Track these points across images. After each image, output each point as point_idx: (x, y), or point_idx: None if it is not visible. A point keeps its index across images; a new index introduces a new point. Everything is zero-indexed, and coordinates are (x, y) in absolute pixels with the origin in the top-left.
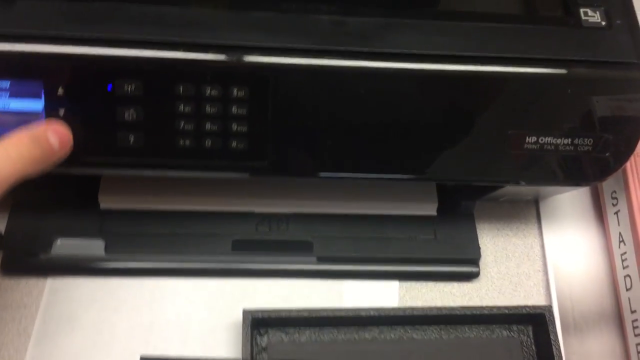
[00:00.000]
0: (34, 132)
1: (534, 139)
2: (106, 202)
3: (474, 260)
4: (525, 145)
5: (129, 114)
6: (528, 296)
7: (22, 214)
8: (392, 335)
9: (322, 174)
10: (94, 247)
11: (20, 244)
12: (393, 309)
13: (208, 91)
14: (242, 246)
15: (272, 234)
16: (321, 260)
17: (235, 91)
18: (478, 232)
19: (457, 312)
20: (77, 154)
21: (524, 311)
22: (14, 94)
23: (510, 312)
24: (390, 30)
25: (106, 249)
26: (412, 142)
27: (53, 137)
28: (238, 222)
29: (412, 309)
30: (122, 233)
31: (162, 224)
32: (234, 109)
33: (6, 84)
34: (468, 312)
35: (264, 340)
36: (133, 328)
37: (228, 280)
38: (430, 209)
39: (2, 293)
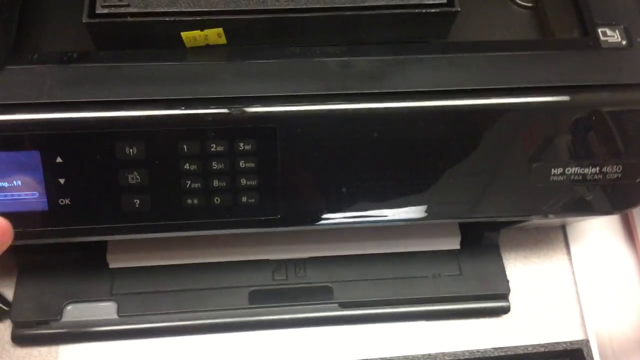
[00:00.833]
0: None
1: (560, 170)
2: (115, 262)
3: (504, 295)
4: (552, 177)
5: (133, 177)
6: (563, 329)
7: (29, 280)
8: None
9: (338, 222)
10: (105, 310)
11: (29, 313)
12: (423, 356)
13: (213, 147)
14: (260, 297)
15: (290, 281)
16: (343, 305)
17: (241, 145)
18: (504, 262)
19: (491, 354)
20: (82, 221)
21: (560, 347)
22: (12, 167)
23: (547, 349)
24: (398, 68)
25: (118, 311)
26: (431, 183)
27: None
28: (253, 271)
29: (444, 354)
30: (133, 293)
31: (174, 280)
32: (242, 164)
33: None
34: (502, 353)
35: None
36: None
37: (247, 334)
38: (453, 243)
39: None
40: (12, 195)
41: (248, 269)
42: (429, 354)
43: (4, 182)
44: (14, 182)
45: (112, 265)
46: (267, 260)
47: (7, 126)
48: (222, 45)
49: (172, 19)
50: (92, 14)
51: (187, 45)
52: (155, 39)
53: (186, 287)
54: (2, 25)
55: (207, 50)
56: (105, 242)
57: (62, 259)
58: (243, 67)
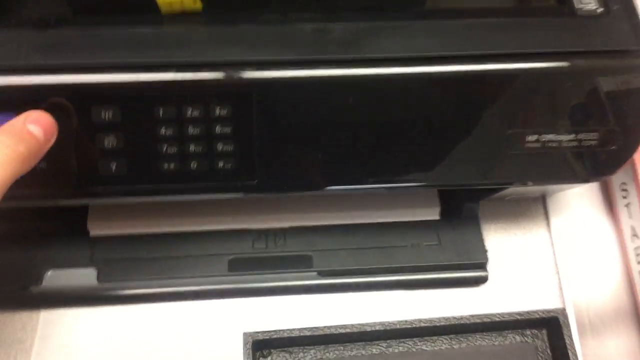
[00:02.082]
0: (13, 128)
1: (535, 137)
2: (96, 229)
3: (481, 265)
4: (527, 144)
5: (109, 142)
6: (540, 298)
7: (10, 247)
8: (401, 348)
9: (314, 189)
10: (86, 276)
11: (10, 278)
12: (399, 322)
13: (190, 112)
14: (239, 265)
15: (270, 250)
16: (322, 274)
17: (217, 110)
18: (484, 234)
19: (467, 321)
20: (60, 185)
21: (536, 315)
22: None
23: (523, 317)
24: (375, 34)
25: (98, 277)
26: (408, 150)
27: (35, 128)
28: (233, 240)
29: (420, 320)
30: (114, 260)
31: (154, 248)
32: (218, 128)
33: None
34: (478, 320)
35: None
36: (130, 356)
37: (226, 301)
38: (432, 214)
39: None
40: None
41: (228, 237)
42: (405, 320)
43: None
44: None
45: (92, 233)
46: (247, 230)
47: None
48: (198, 11)
49: None
50: None
51: (163, 11)
52: (132, 4)
53: (166, 254)
54: None
55: (182, 16)
56: (86, 210)
57: (43, 227)
58: (219, 32)
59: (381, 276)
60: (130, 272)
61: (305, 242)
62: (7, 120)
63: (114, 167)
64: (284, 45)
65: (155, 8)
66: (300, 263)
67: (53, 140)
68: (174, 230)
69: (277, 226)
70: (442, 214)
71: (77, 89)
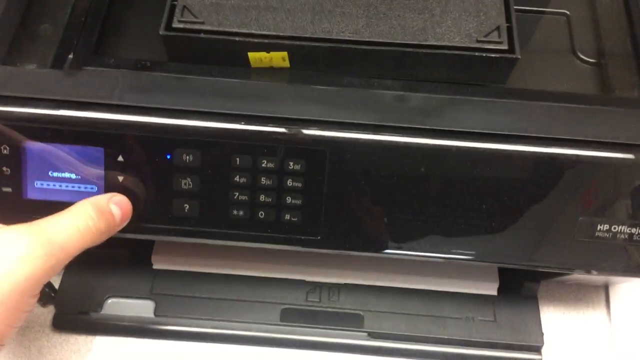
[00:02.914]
0: (99, 204)
1: (606, 226)
2: (159, 263)
3: (537, 348)
4: (597, 233)
5: (186, 183)
6: None
7: (76, 271)
8: None
9: (374, 252)
10: (143, 308)
11: (72, 302)
12: None
13: (264, 163)
14: (291, 316)
15: (323, 304)
16: (372, 335)
17: (291, 164)
18: (541, 314)
19: None
20: (134, 219)
21: None
22: (77, 160)
23: None
24: (454, 107)
25: (155, 311)
26: (474, 224)
27: (116, 209)
28: (288, 289)
29: None
30: (172, 295)
31: (212, 288)
32: (289, 182)
33: (68, 150)
34: None
35: None
36: None
37: (276, 350)
38: (490, 289)
39: (51, 349)
40: (73, 187)
41: (283, 286)
42: None
43: (68, 173)
44: (77, 175)
45: (155, 266)
46: (303, 281)
47: (79, 122)
48: (285, 68)
49: (241, 39)
50: (168, 27)
51: (253, 65)
52: (224, 56)
53: (222, 296)
54: (85, 29)
55: (270, 71)
56: (152, 243)
57: (109, 255)
58: (302, 90)
59: (432, 345)
60: (186, 309)
61: (359, 301)
62: (93, 154)
63: (186, 208)
64: (363, 109)
65: (246, 62)
66: (351, 321)
67: (125, 223)
68: (233, 272)
69: (332, 281)
70: (500, 289)
71: (162, 130)
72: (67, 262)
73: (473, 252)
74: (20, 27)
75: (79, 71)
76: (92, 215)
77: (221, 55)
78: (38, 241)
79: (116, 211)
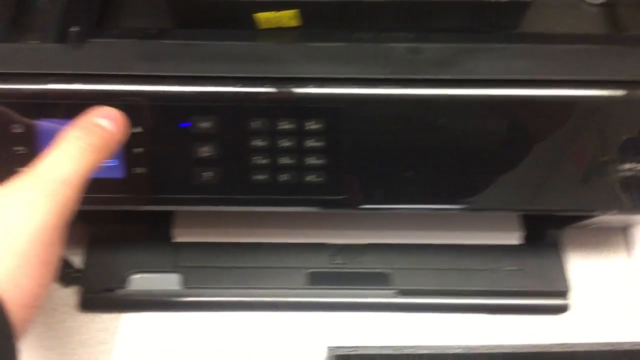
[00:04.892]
0: (82, 123)
1: (628, 165)
2: (180, 236)
3: (563, 293)
4: (619, 173)
5: (205, 151)
6: (622, 330)
7: (98, 250)
8: None
9: (401, 207)
10: (169, 281)
11: (97, 280)
12: (481, 347)
13: (283, 125)
14: (318, 279)
15: (348, 265)
16: (401, 293)
17: (308, 124)
18: (565, 261)
19: (551, 350)
20: (153, 190)
21: (624, 347)
22: None
23: (610, 348)
24: (467, 55)
25: (181, 283)
26: (497, 172)
27: (103, 120)
28: (312, 253)
29: (501, 347)
30: (196, 267)
31: (236, 257)
32: (308, 142)
33: None
34: (563, 350)
35: None
36: None
37: (304, 313)
38: (514, 238)
39: (79, 329)
40: None
41: (307, 251)
42: (486, 345)
43: None
44: None
45: (176, 239)
46: (326, 244)
47: (90, 95)
48: (294, 27)
49: None
50: None
51: (261, 26)
52: (231, 18)
53: (247, 264)
54: (86, 1)
55: (279, 31)
56: (171, 216)
57: (129, 231)
58: (314, 49)
59: (459, 298)
60: (212, 279)
61: (384, 260)
62: None
63: (206, 176)
64: (377, 63)
65: (253, 23)
66: (378, 280)
67: (125, 132)
68: (256, 240)
69: (356, 242)
70: (524, 239)
71: (178, 98)
72: (75, 194)
73: (496, 201)
74: (18, 3)
75: (84, 44)
76: (78, 136)
77: (228, 17)
78: (35, 185)
79: (105, 122)
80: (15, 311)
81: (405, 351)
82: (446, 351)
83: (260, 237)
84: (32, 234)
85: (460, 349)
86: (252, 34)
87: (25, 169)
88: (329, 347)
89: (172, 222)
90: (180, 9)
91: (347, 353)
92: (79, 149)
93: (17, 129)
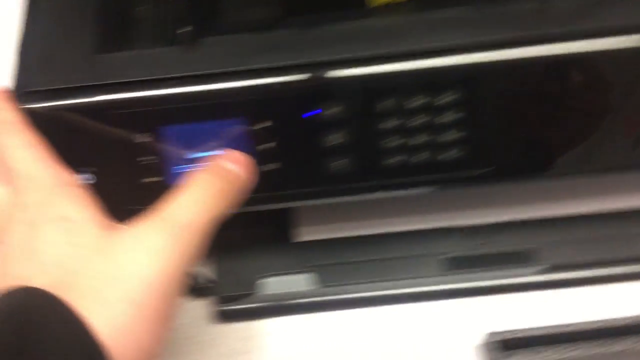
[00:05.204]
0: (211, 167)
1: None
2: (303, 235)
3: None
4: None
5: (335, 138)
6: None
7: (227, 259)
8: None
9: (553, 174)
10: (301, 282)
11: (230, 289)
12: None
13: (416, 101)
14: (456, 264)
15: (486, 246)
16: (550, 269)
17: (444, 97)
18: None
19: None
20: (284, 187)
21: None
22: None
23: None
24: (603, 4)
25: (317, 282)
26: None
27: (233, 166)
28: (445, 238)
29: None
30: (325, 265)
31: (364, 251)
32: (445, 117)
33: (208, 127)
34: None
35: None
36: None
37: (445, 302)
38: None
39: (215, 342)
40: None
41: (439, 236)
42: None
43: (212, 151)
44: (219, 151)
45: (300, 239)
46: (459, 227)
47: (212, 95)
48: (406, 1)
49: None
50: None
51: (372, 3)
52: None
53: (377, 257)
54: (192, 3)
55: (389, 7)
56: (291, 218)
57: (253, 236)
58: (431, 18)
59: (616, 267)
60: (344, 276)
61: (522, 238)
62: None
63: (339, 165)
64: (505, 26)
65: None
66: (520, 258)
67: (252, 178)
68: (382, 231)
69: (491, 221)
70: None
71: (303, 88)
72: (201, 242)
73: None
74: (118, 13)
75: (196, 44)
76: (208, 180)
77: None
78: (160, 229)
79: (234, 167)
80: None
81: (571, 329)
82: (616, 323)
83: (386, 227)
84: (154, 284)
85: (631, 320)
86: (366, 12)
87: (152, 210)
88: (490, 332)
89: (293, 221)
90: None
91: (511, 337)
92: (208, 195)
93: (141, 139)
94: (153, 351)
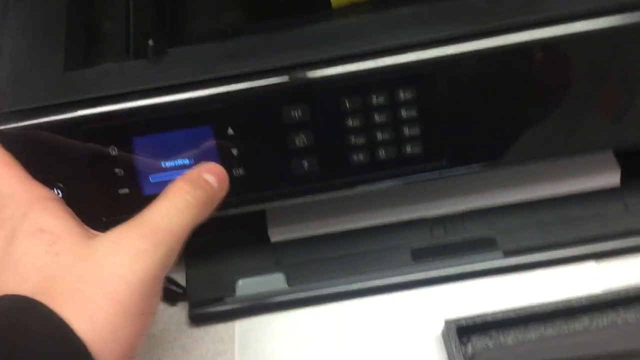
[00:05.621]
0: (191, 177)
1: None
2: (276, 235)
3: None
4: None
5: (301, 140)
6: None
7: (198, 261)
8: (605, 322)
9: (504, 163)
10: (275, 281)
11: (203, 293)
12: (606, 294)
13: (375, 100)
14: (422, 254)
15: (450, 236)
16: (509, 254)
17: (401, 94)
18: None
19: None
20: (254, 189)
21: None
22: (186, 144)
23: None
24: None
25: (288, 282)
26: (596, 109)
27: (210, 177)
28: (411, 230)
29: (626, 290)
30: (298, 263)
31: (335, 247)
32: (404, 113)
33: (176, 136)
34: None
35: (468, 350)
36: (330, 356)
37: (412, 292)
38: (613, 180)
39: (195, 344)
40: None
41: (405, 229)
42: (610, 291)
43: (181, 160)
44: (190, 159)
45: (273, 239)
46: (424, 218)
47: (181, 105)
48: (366, 1)
49: None
50: None
51: (334, 5)
52: (299, 4)
53: (348, 252)
54: (157, 16)
55: (351, 8)
56: (264, 217)
57: (225, 238)
58: (391, 17)
59: (570, 249)
60: (316, 273)
61: (485, 224)
62: (202, 134)
63: (305, 165)
64: (459, 20)
65: (323, 5)
66: (484, 245)
67: (226, 189)
68: (351, 227)
69: (452, 211)
70: (624, 178)
71: (266, 92)
72: (178, 246)
73: (599, 139)
74: (85, 30)
75: (164, 55)
76: (186, 189)
77: (296, 3)
78: (142, 234)
79: (210, 178)
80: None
81: (529, 311)
82: (572, 304)
83: (354, 222)
84: (135, 284)
85: (586, 299)
86: (327, 14)
87: (132, 216)
88: (446, 320)
89: (266, 223)
90: (250, 3)
91: (468, 324)
92: (186, 203)
93: (115, 151)
94: (134, 347)
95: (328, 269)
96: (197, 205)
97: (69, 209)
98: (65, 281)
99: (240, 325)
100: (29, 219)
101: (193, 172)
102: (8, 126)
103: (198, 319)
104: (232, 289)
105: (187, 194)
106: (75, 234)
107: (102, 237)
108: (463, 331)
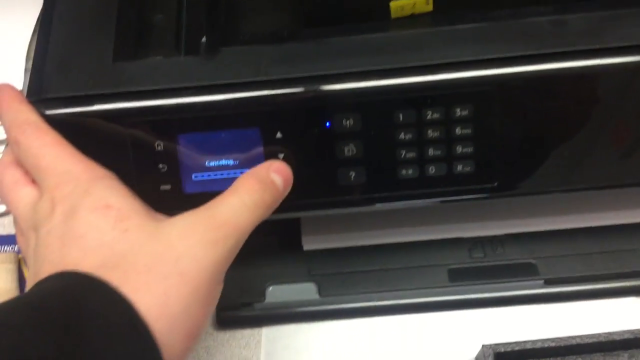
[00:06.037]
0: (261, 176)
1: None
2: (310, 244)
3: None
4: None
5: (349, 150)
6: None
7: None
8: None
9: (556, 190)
10: (306, 291)
11: (232, 296)
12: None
13: (429, 115)
14: (459, 275)
15: (489, 259)
16: (549, 282)
17: (458, 111)
18: None
19: None
20: (299, 195)
21: None
22: (233, 145)
23: None
24: (616, 22)
25: (319, 292)
26: None
27: (277, 177)
28: (449, 250)
29: None
30: (332, 273)
31: (370, 260)
32: (458, 130)
33: (223, 136)
34: None
35: None
36: None
37: (447, 313)
38: None
39: (220, 348)
40: (235, 173)
41: (443, 247)
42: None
43: (226, 160)
44: (235, 160)
45: (306, 248)
46: (463, 238)
47: (229, 105)
48: (427, 12)
49: None
50: None
51: (393, 15)
52: (362, 12)
53: (383, 266)
54: (211, 13)
55: (412, 19)
56: (299, 225)
57: (259, 244)
58: (452, 32)
59: (612, 282)
60: (349, 285)
61: (526, 249)
62: (249, 136)
63: (352, 176)
64: (519, 41)
65: (384, 13)
66: (523, 271)
67: (288, 190)
68: (387, 241)
69: (493, 234)
70: None
71: (318, 98)
72: (242, 243)
73: None
74: (137, 22)
75: (216, 54)
76: (255, 188)
77: (356, 10)
78: (214, 225)
79: (277, 179)
80: (178, 340)
81: (569, 342)
82: (614, 337)
83: (391, 237)
84: (207, 268)
85: (630, 334)
86: (385, 24)
87: (170, 214)
88: (484, 345)
89: (300, 231)
90: (308, 7)
91: (504, 350)
92: (255, 202)
93: (160, 146)
94: (201, 328)
95: (361, 283)
96: (262, 206)
97: (131, 189)
98: (138, 257)
99: (268, 333)
100: (93, 194)
101: (262, 170)
102: (54, 112)
103: (225, 322)
104: (262, 295)
105: (256, 193)
106: (142, 213)
107: (172, 220)
108: (500, 357)
